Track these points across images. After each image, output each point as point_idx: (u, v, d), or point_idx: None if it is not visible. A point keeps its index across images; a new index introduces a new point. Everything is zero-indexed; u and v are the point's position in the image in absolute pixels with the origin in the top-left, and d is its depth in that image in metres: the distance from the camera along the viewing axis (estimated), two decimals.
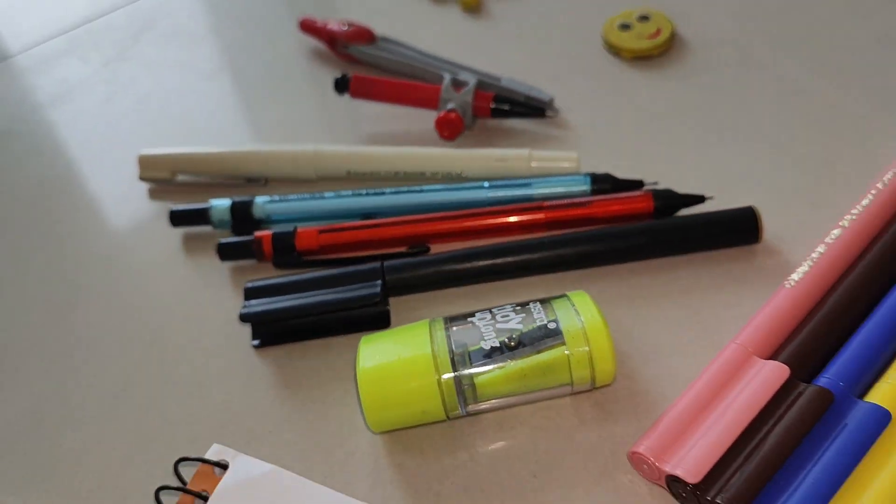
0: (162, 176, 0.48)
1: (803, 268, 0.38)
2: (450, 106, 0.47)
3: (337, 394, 0.38)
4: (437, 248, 0.42)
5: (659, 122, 0.47)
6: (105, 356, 0.41)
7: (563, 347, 0.35)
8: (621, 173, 0.44)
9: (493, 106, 0.47)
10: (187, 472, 0.34)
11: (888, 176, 0.41)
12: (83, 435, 0.38)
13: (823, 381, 0.34)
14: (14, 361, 0.41)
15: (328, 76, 0.53)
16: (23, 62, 0.59)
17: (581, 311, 0.36)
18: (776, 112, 0.46)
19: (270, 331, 0.40)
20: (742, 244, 0.41)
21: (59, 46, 0.60)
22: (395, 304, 0.41)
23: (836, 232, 0.39)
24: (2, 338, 0.42)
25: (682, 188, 0.43)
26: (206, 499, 0.33)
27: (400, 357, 0.35)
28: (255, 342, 0.40)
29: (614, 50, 0.52)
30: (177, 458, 0.34)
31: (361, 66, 0.53)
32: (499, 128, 0.48)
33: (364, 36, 0.53)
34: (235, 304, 0.42)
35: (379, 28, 0.54)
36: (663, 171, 0.44)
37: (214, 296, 0.42)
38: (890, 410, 0.32)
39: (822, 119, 0.46)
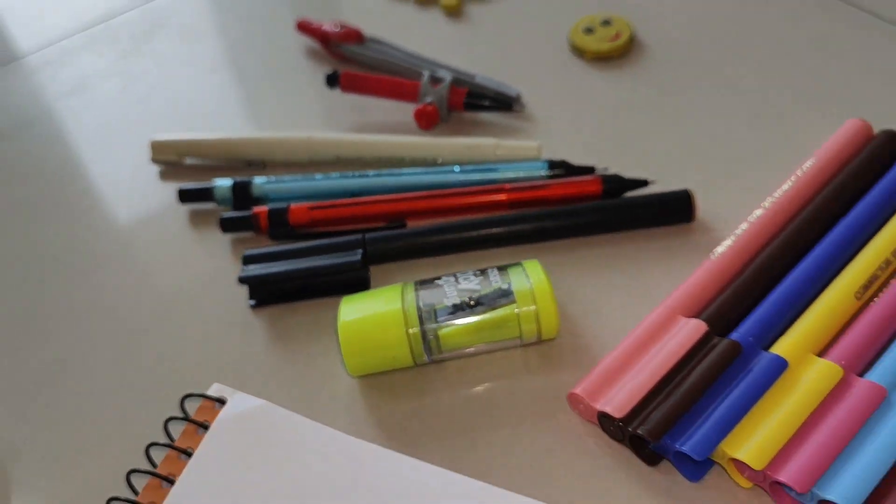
0: (171, 159, 0.53)
1: (727, 242, 0.43)
2: (428, 99, 0.53)
3: (321, 346, 0.43)
4: (412, 224, 0.47)
5: (613, 115, 0.52)
6: (120, 314, 0.46)
7: (514, 306, 0.40)
8: (577, 160, 0.49)
9: (466, 100, 0.53)
10: (192, 407, 0.40)
11: (807, 164, 0.46)
12: (103, 378, 0.43)
13: (735, 335, 0.39)
14: (42, 317, 0.46)
15: (321, 72, 0.59)
16: (45, 56, 0.64)
17: (531, 276, 0.41)
18: (716, 108, 0.52)
19: (265, 292, 0.45)
20: (678, 223, 0.46)
21: (78, 42, 0.65)
22: (375, 272, 0.46)
23: (758, 212, 0.44)
24: (31, 299, 0.48)
25: (629, 173, 0.48)
26: (207, 427, 0.38)
27: (375, 312, 0.41)
28: (252, 302, 0.45)
29: (578, 51, 0.57)
30: (183, 395, 0.40)
31: (351, 63, 0.58)
32: (471, 120, 0.54)
33: (354, 36, 0.58)
34: (235, 269, 0.47)
35: (368, 29, 0.59)
36: (614, 158, 0.49)
37: (217, 263, 0.48)
38: (788, 360, 0.37)
39: (756, 114, 0.51)
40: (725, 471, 0.36)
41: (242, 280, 0.44)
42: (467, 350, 0.41)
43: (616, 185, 0.47)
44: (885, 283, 0.41)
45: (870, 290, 0.40)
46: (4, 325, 0.46)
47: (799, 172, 0.46)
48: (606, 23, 0.58)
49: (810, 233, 0.43)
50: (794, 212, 0.44)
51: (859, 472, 0.34)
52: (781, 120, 0.50)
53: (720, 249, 0.43)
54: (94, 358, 0.44)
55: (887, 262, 0.41)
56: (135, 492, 0.37)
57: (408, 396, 0.40)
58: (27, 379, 0.44)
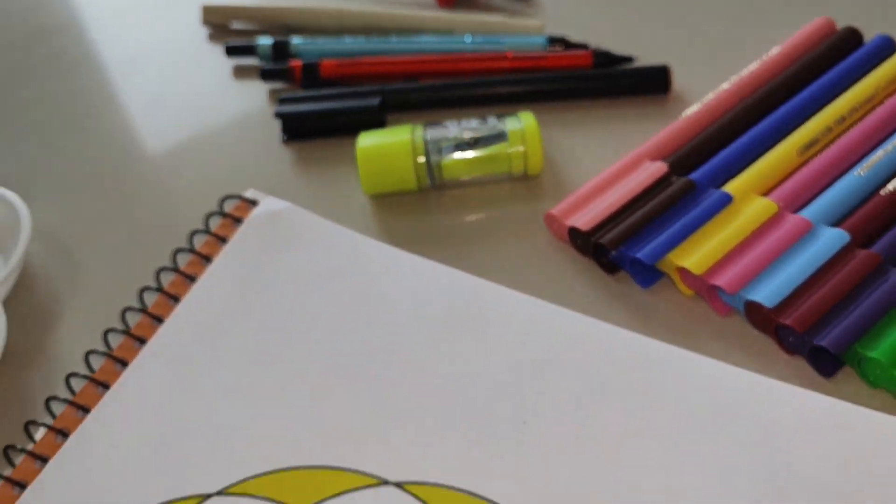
0: (219, 22, 0.59)
1: (694, 107, 0.48)
2: None
3: (341, 173, 0.48)
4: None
5: (610, 6, 0.57)
6: (171, 139, 0.52)
7: (506, 145, 0.46)
8: (574, 40, 0.54)
9: None
10: (229, 207, 0.46)
11: (773, 51, 0.51)
12: (153, 187, 0.49)
13: (693, 176, 0.44)
14: (104, 134, 0.52)
15: None
16: None
17: (523, 122, 0.46)
18: (703, 3, 0.56)
19: (296, 128, 0.50)
20: (656, 93, 0.51)
21: None
22: (390, 121, 0.51)
23: (724, 85, 0.49)
24: (97, 127, 0.54)
25: (618, 52, 0.53)
26: (241, 221, 0.44)
27: (389, 141, 0.46)
28: (284, 137, 0.51)
29: None
30: (222, 196, 0.45)
31: None
32: (485, 4, 0.58)
33: None
34: (271, 112, 0.52)
35: None
36: (607, 40, 0.54)
37: (256, 106, 0.53)
38: (733, 196, 0.43)
39: (737, 10, 0.56)
40: (672, 280, 0.42)
41: (278, 114, 0.50)
42: (464, 179, 0.46)
43: (605, 59, 0.52)
44: (825, 147, 0.46)
45: (811, 150, 0.45)
46: (71, 144, 0.52)
47: (764, 57, 0.51)
48: None
49: (768, 102, 0.48)
50: (756, 86, 0.49)
51: (780, 281, 0.39)
52: (759, 16, 0.55)
53: (687, 112, 0.48)
54: (147, 172, 0.50)
55: (829, 129, 0.46)
56: (177, 265, 0.43)
57: (412, 214, 0.46)
58: (90, 185, 0.50)
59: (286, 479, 0.35)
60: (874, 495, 0.32)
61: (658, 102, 0.51)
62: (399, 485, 0.34)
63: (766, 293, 0.39)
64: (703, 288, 0.40)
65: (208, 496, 0.35)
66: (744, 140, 0.46)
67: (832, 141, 0.46)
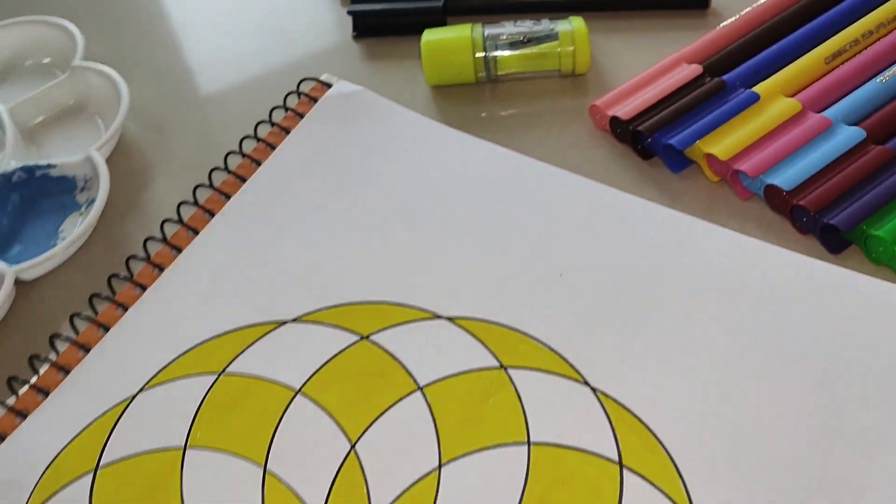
0: None
1: (731, 19, 0.51)
2: None
3: (405, 66, 0.52)
4: None
5: None
6: (254, 37, 0.56)
7: (557, 44, 0.49)
8: None
9: None
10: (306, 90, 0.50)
11: None
12: (241, 74, 0.53)
13: (725, 77, 0.48)
14: (187, 35, 0.57)
15: None
16: None
17: (573, 24, 0.50)
18: None
19: (365, 25, 0.54)
20: (696, 8, 0.54)
21: None
22: (451, 23, 0.55)
23: (761, 1, 0.52)
24: (179, 18, 0.58)
25: None
26: (317, 101, 0.48)
27: (451, 37, 0.50)
28: (355, 33, 0.55)
29: None
30: (300, 79, 0.50)
31: None
32: None
33: None
34: (343, 13, 0.56)
35: None
36: None
37: (330, 8, 0.57)
38: (761, 95, 0.46)
39: None
40: (700, 168, 0.45)
41: (350, 12, 0.54)
42: (517, 74, 0.50)
43: None
44: (851, 57, 0.49)
45: (837, 59, 0.48)
46: (161, 35, 0.57)
47: None
48: None
49: (801, 17, 0.51)
50: (791, 3, 0.52)
51: (798, 168, 0.42)
52: None
53: (724, 24, 0.51)
54: (230, 61, 0.54)
55: (856, 41, 0.49)
56: (258, 136, 0.47)
57: (469, 104, 0.50)
58: (179, 71, 0.54)
59: (352, 312, 0.40)
60: (870, 349, 0.36)
61: (698, 14, 0.54)
62: (450, 319, 0.39)
63: (785, 178, 0.42)
64: (728, 173, 0.44)
65: (284, 322, 0.40)
66: (775, 48, 0.49)
67: (858, 52, 0.49)
